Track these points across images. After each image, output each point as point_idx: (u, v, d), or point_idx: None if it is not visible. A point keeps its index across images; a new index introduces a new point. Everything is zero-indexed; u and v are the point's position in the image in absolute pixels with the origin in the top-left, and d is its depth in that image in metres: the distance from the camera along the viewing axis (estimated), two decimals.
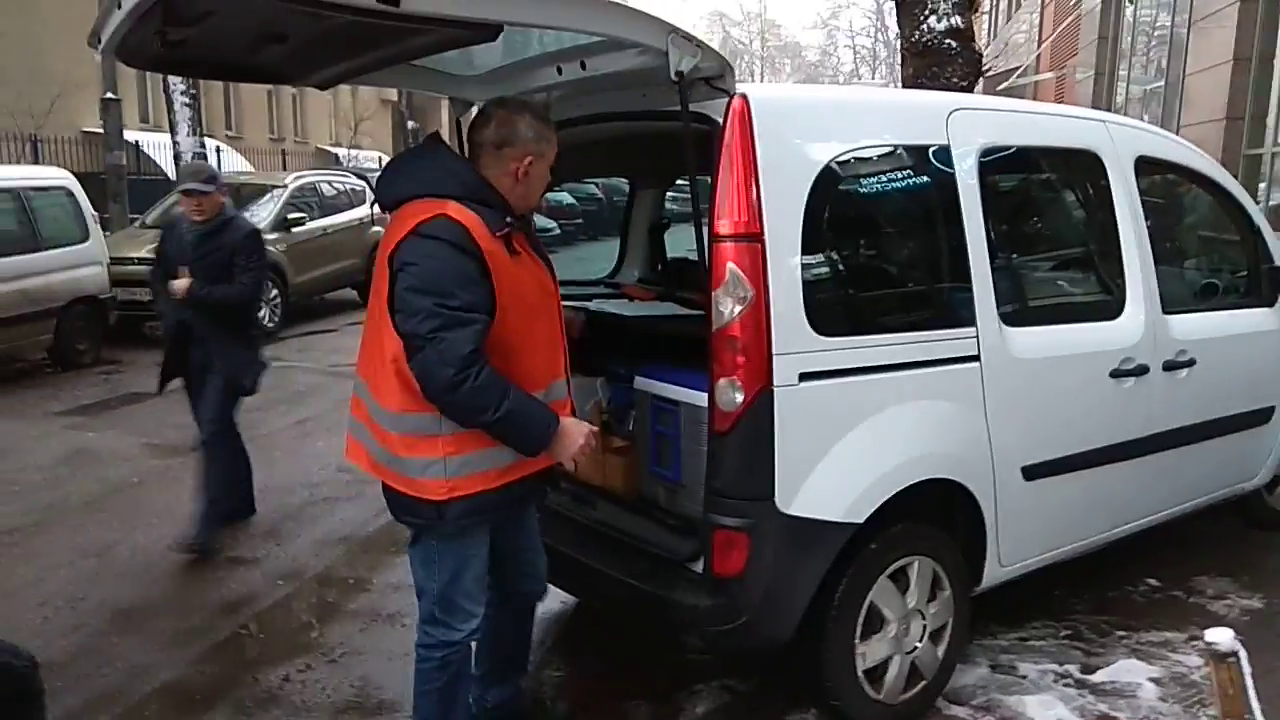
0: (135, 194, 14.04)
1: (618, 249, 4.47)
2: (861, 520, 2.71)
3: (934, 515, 3.02)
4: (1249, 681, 2.06)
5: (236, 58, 2.59)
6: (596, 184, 16.28)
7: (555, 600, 3.71)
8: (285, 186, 11.23)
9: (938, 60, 6.57)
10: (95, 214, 8.82)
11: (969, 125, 3.08)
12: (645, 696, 3.20)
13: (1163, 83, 12.12)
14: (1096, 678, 3.28)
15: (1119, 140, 3.56)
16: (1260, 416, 4.04)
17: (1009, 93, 19.30)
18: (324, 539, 4.62)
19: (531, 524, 2.77)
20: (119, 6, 2.08)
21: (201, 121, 14.62)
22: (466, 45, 2.44)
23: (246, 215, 10.49)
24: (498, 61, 2.98)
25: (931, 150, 2.98)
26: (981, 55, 7.00)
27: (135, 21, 2.08)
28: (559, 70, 2.88)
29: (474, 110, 3.17)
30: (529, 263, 2.41)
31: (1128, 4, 14.25)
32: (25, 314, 7.86)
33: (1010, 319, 3.07)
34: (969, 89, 6.55)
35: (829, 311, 2.69)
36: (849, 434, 2.71)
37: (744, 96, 2.56)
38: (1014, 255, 3.35)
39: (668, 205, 4.51)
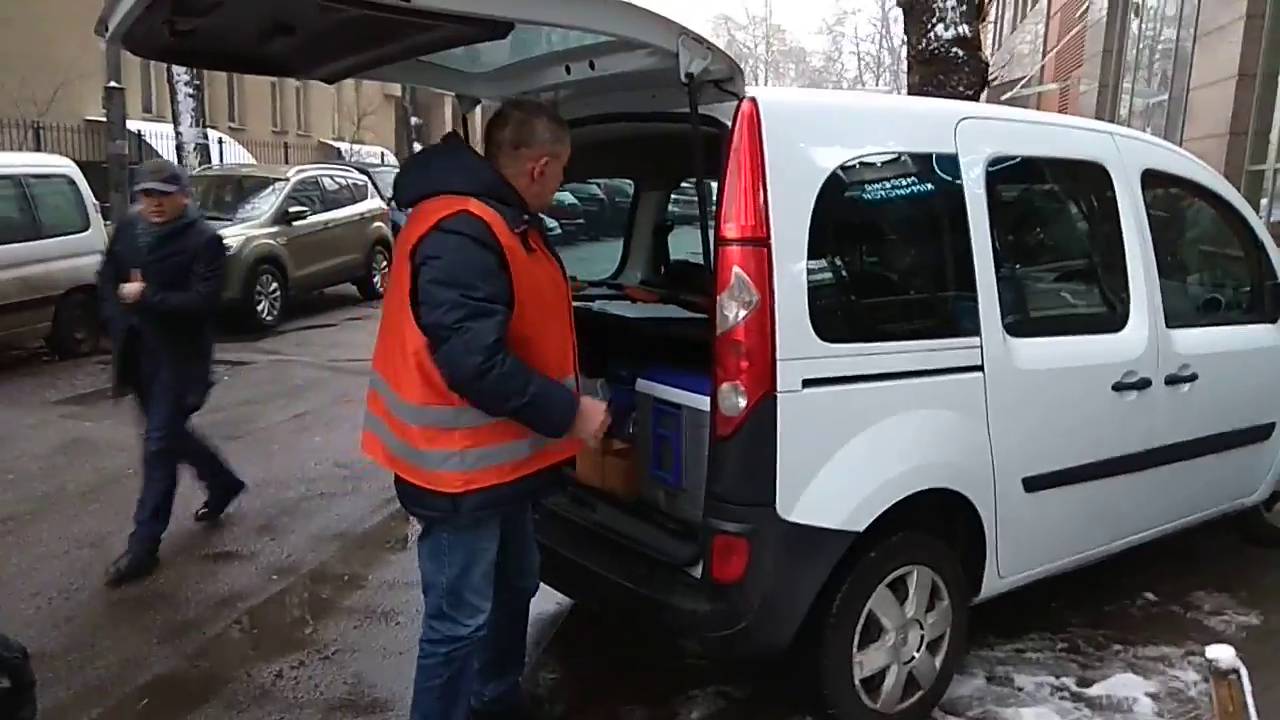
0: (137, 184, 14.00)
1: (621, 250, 4.46)
2: (862, 529, 2.70)
3: (934, 525, 3.01)
4: (1250, 700, 2.06)
5: (244, 49, 2.58)
6: (598, 184, 16.28)
7: (552, 602, 3.70)
8: (288, 180, 11.20)
9: (944, 68, 6.58)
10: (96, 203, 8.78)
11: (977, 134, 3.07)
12: (641, 700, 3.19)
13: (1166, 96, 12.11)
14: (1093, 691, 3.27)
15: (1126, 153, 3.55)
16: (1261, 433, 4.03)
17: (1012, 103, 19.29)
18: (319, 534, 4.60)
19: (527, 522, 2.79)
20: None
21: (205, 112, 14.68)
22: (476, 42, 2.44)
23: (248, 207, 10.68)
24: (506, 59, 2.98)
25: (939, 158, 2.97)
26: (988, 64, 7.00)
27: (144, 10, 2.07)
28: (567, 69, 2.88)
29: (479, 107, 3.18)
30: (543, 260, 2.45)
31: (1133, 17, 14.26)
32: (24, 301, 7.82)
33: (1014, 329, 3.06)
34: (975, 98, 6.55)
35: (834, 318, 2.68)
36: (851, 441, 2.70)
37: (753, 100, 2.55)
38: (1019, 265, 3.35)
39: (671, 207, 4.51)
